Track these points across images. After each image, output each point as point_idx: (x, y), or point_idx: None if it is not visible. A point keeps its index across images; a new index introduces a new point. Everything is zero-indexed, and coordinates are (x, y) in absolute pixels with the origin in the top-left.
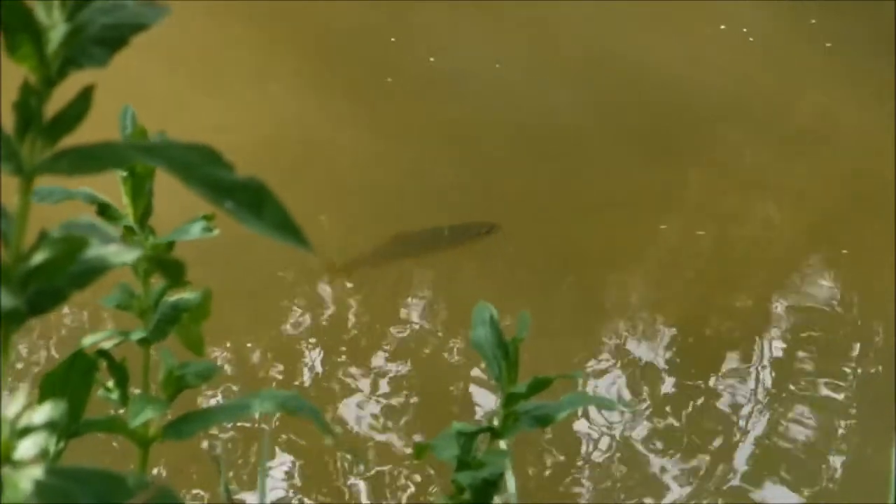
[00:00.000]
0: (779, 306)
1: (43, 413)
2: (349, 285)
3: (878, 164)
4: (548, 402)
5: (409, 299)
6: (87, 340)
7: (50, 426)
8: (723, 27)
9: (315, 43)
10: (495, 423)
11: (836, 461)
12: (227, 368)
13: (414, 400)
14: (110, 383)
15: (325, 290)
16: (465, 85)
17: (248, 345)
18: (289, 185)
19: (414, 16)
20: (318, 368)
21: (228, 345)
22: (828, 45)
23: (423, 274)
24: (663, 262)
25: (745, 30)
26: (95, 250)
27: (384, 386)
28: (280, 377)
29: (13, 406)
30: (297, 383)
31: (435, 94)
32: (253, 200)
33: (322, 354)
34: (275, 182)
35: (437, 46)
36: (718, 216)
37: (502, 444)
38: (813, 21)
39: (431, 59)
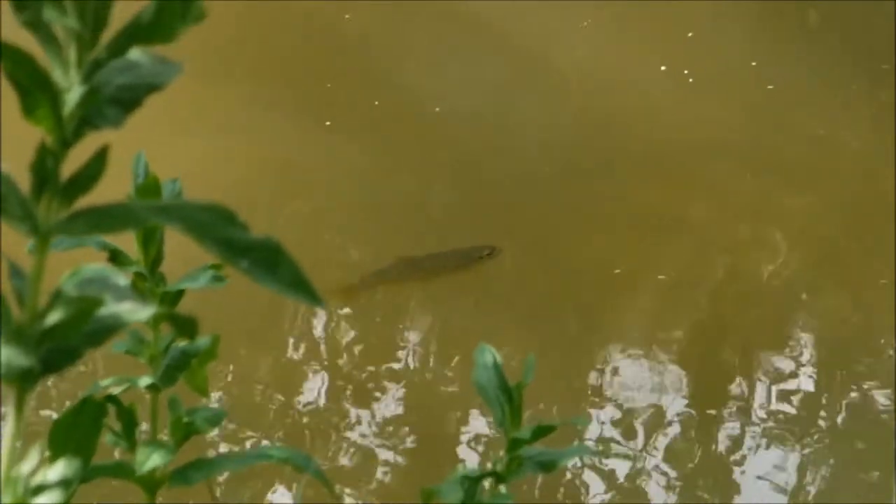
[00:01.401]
0: (782, 335)
1: (57, 470)
2: (345, 311)
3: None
4: (551, 449)
5: (408, 327)
6: (97, 386)
7: (64, 483)
8: (688, 68)
9: (310, 70)
10: (499, 467)
11: (842, 493)
12: (226, 400)
13: (412, 429)
14: (118, 428)
15: (323, 319)
16: (462, 111)
17: (247, 374)
18: (287, 213)
19: (408, 42)
20: (317, 399)
21: (229, 378)
22: (769, 87)
23: (422, 300)
24: (665, 290)
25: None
26: (110, 308)
27: (382, 417)
28: (277, 407)
29: (27, 463)
30: (294, 412)
31: (432, 121)
32: (268, 259)
33: (321, 384)
34: (272, 210)
35: (432, 73)
36: (719, 244)
37: (503, 489)
38: (753, 63)
39: (428, 86)
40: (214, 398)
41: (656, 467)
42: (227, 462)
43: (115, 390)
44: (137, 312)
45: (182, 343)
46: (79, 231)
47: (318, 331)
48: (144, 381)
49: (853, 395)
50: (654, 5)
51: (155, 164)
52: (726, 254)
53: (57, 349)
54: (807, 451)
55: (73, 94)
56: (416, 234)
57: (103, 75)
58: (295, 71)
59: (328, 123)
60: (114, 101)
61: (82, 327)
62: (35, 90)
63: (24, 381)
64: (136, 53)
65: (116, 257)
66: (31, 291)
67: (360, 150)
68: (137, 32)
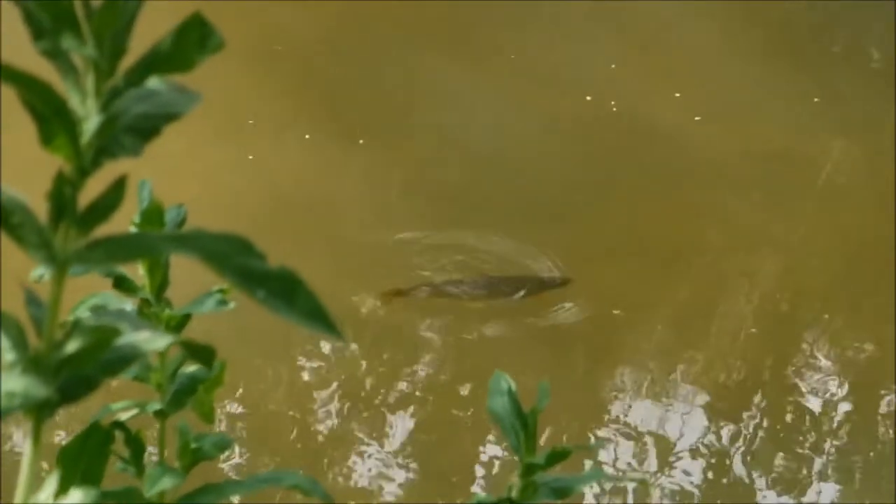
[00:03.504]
0: (790, 362)
1: (72, 498)
2: (355, 346)
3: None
4: (566, 475)
5: (423, 351)
6: (104, 411)
7: None
8: (714, 86)
9: (328, 99)
10: (514, 493)
11: None
12: (238, 425)
13: (427, 454)
14: (126, 454)
15: (338, 343)
16: (473, 141)
17: (259, 398)
18: (302, 239)
19: (423, 73)
20: (331, 423)
21: (239, 396)
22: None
23: (438, 326)
24: (674, 316)
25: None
26: (127, 338)
27: (396, 442)
28: (290, 432)
29: (44, 491)
30: (308, 434)
31: (444, 151)
32: (285, 290)
33: (335, 407)
34: (289, 236)
35: (445, 103)
36: (727, 271)
37: None
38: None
39: (439, 115)
40: (226, 423)
41: (669, 492)
42: (236, 487)
43: (123, 416)
44: (155, 341)
45: (189, 369)
46: (97, 260)
47: (331, 352)
48: (153, 406)
49: (858, 421)
50: (665, 37)
51: (169, 191)
52: (735, 278)
53: (74, 378)
54: (814, 477)
55: (90, 122)
56: (427, 265)
57: (121, 104)
58: (318, 100)
59: (361, 142)
60: (132, 130)
61: (100, 357)
62: (53, 119)
63: (41, 410)
64: (154, 82)
65: (122, 283)
66: (48, 320)
67: (373, 180)
68: (156, 61)
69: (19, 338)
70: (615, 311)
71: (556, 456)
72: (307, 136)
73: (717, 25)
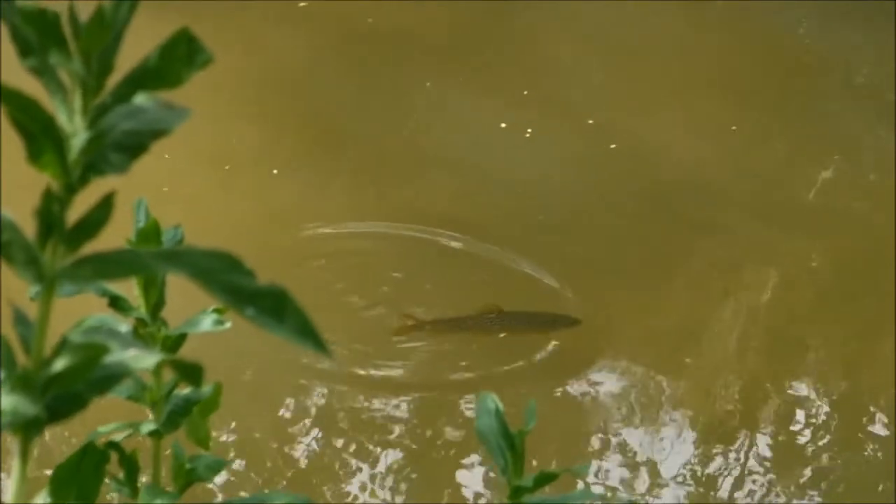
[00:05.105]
0: (783, 378)
1: None
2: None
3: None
4: (554, 496)
5: (409, 371)
6: (98, 432)
7: None
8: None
9: (318, 128)
10: None
11: None
12: (229, 447)
13: (416, 478)
14: (121, 475)
15: (327, 370)
16: (469, 164)
17: (249, 423)
18: (289, 264)
19: (418, 97)
20: (318, 445)
21: (232, 425)
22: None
23: (431, 350)
24: (668, 336)
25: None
26: (116, 355)
27: (384, 465)
28: (281, 457)
29: None
30: (295, 459)
31: (439, 178)
32: (274, 307)
33: (322, 431)
34: (283, 266)
35: (442, 128)
36: (720, 288)
37: None
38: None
39: (435, 142)
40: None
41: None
42: None
43: (117, 436)
44: (143, 359)
45: (184, 389)
46: (85, 277)
47: (320, 384)
48: (147, 427)
49: (852, 438)
50: (657, 58)
51: (158, 210)
52: (730, 297)
53: (62, 396)
54: (810, 487)
55: (78, 139)
56: (427, 294)
57: (108, 120)
58: (308, 129)
59: (350, 165)
60: (119, 147)
61: (88, 374)
62: (40, 136)
63: (29, 429)
64: (141, 98)
65: (116, 303)
66: (36, 338)
67: (364, 209)
68: (143, 78)
69: (7, 356)
70: (603, 325)
71: (544, 478)
72: (291, 163)
73: (711, 47)
